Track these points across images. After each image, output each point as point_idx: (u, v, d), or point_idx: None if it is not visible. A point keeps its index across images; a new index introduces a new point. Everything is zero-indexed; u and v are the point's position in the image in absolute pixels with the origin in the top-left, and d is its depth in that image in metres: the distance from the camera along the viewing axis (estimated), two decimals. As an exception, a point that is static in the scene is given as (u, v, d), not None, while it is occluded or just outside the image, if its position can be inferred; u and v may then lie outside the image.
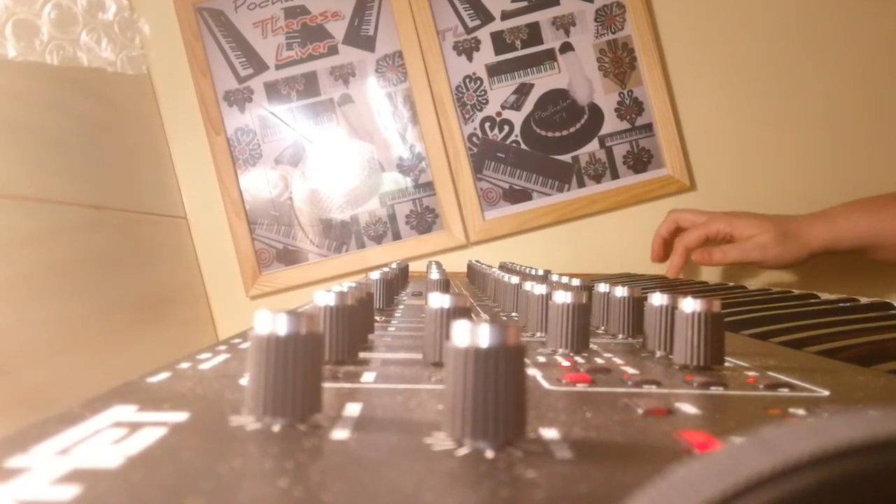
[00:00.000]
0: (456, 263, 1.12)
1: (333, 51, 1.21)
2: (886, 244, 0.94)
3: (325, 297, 0.28)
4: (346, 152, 1.21)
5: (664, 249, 1.09)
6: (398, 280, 0.62)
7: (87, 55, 1.03)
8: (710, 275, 1.14)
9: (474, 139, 1.20)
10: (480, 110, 1.20)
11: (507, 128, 1.20)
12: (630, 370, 0.29)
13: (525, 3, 1.20)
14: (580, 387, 0.25)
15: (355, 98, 1.21)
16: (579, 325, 0.33)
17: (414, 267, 1.07)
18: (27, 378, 0.70)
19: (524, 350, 0.17)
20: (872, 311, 0.54)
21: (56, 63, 0.96)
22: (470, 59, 1.20)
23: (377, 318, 0.45)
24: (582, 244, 1.19)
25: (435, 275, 0.58)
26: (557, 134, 1.20)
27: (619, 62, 1.19)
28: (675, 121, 1.17)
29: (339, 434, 0.18)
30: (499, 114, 1.20)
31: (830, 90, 1.18)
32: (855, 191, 0.99)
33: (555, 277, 0.57)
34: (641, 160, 1.19)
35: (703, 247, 1.03)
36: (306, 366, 0.19)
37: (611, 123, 1.19)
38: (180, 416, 0.19)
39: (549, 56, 1.20)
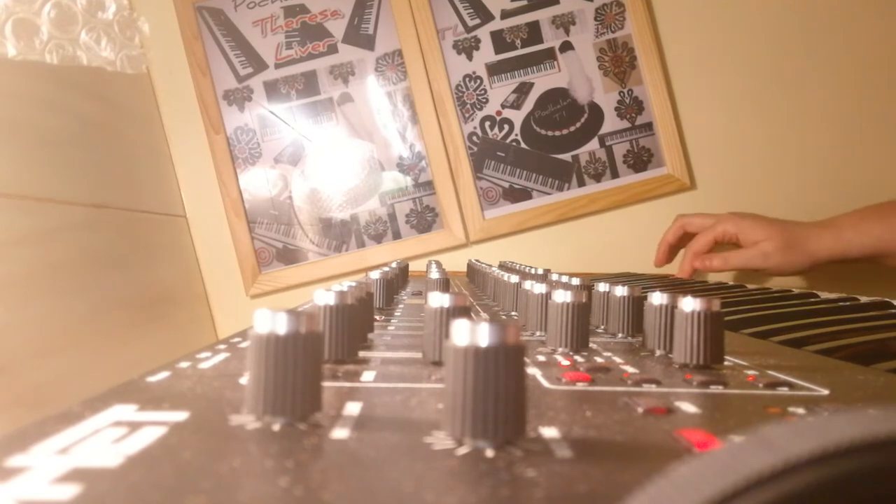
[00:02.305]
0: (456, 263, 1.12)
1: (333, 50, 1.21)
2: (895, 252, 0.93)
3: (324, 297, 0.28)
4: (346, 151, 1.21)
5: (669, 255, 1.08)
6: (398, 279, 0.62)
7: (86, 54, 1.03)
8: (710, 274, 1.14)
9: (474, 138, 1.20)
10: (480, 109, 1.20)
11: (507, 127, 1.20)
12: (630, 369, 0.29)
13: (525, 2, 1.20)
14: (580, 386, 0.25)
15: (355, 97, 1.21)
16: (579, 324, 0.33)
17: (414, 266, 1.07)
18: (27, 377, 0.70)
19: (524, 349, 0.17)
20: (872, 310, 0.54)
21: (56, 62, 0.96)
22: (470, 57, 1.20)
23: (377, 317, 0.45)
24: (582, 243, 1.19)
25: (435, 274, 0.58)
26: (557, 133, 1.20)
27: (618, 61, 1.19)
28: (675, 120, 1.17)
29: (339, 433, 0.18)
30: (499, 113, 1.20)
31: (830, 89, 1.18)
32: (855, 190, 0.99)
33: (554, 276, 0.57)
34: (641, 159, 1.19)
35: (710, 251, 1.03)
36: (306, 365, 0.19)
37: (611, 122, 1.19)
38: (180, 416, 0.19)
39: (549, 55, 1.20)
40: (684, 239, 1.07)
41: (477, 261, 0.86)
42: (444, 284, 0.53)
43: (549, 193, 1.19)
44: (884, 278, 1.02)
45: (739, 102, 1.19)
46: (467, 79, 1.20)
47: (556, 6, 1.20)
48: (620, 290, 0.39)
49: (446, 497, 0.14)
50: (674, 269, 1.08)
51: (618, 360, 0.31)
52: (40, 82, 0.91)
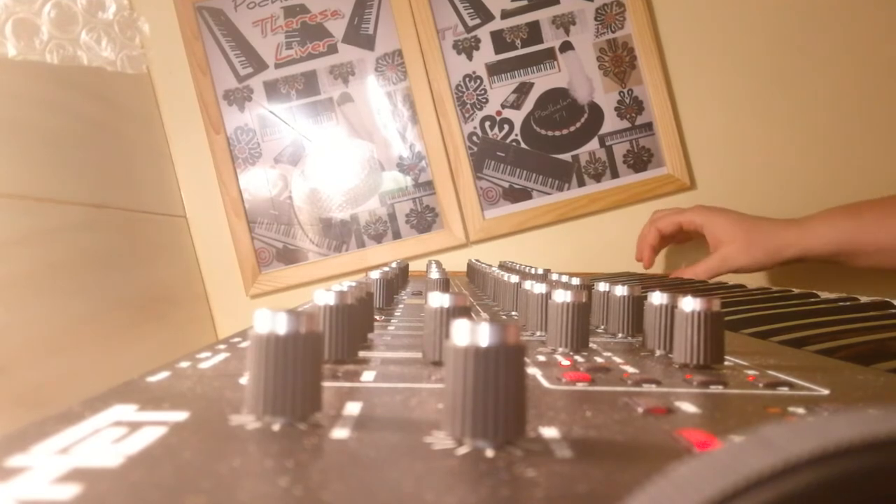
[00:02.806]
0: (456, 262, 1.12)
1: (333, 49, 1.21)
2: (864, 250, 0.91)
3: (324, 297, 0.28)
4: (346, 151, 1.21)
5: (653, 255, 1.08)
6: (398, 279, 0.62)
7: (87, 54, 1.03)
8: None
9: (474, 138, 1.20)
10: (480, 109, 1.20)
11: (507, 127, 1.20)
12: (630, 369, 0.29)
13: (525, 2, 1.20)
14: (580, 386, 0.25)
15: (355, 97, 1.21)
16: (579, 324, 0.33)
17: (414, 266, 1.07)
18: (27, 377, 0.70)
19: (524, 349, 0.17)
20: (872, 310, 0.54)
21: (56, 62, 0.96)
22: (470, 57, 1.20)
23: (377, 317, 0.45)
24: (582, 243, 1.19)
25: (435, 274, 0.58)
26: (557, 133, 1.20)
27: (618, 61, 1.19)
28: (675, 120, 1.17)
29: (339, 433, 0.18)
30: (499, 113, 1.20)
31: (830, 89, 1.18)
32: (853, 190, 0.99)
33: (554, 276, 0.57)
34: (641, 159, 1.19)
35: (673, 233, 1.03)
36: (306, 365, 0.19)
37: (611, 122, 1.19)
38: (180, 416, 0.19)
39: (549, 55, 1.20)
40: (664, 240, 1.07)
41: (477, 261, 0.86)
42: (444, 284, 0.53)
43: (549, 193, 1.19)
44: (883, 279, 1.02)
45: (739, 102, 1.19)
46: (467, 79, 1.20)
47: (556, 6, 1.20)
48: (620, 290, 0.39)
49: (446, 497, 0.14)
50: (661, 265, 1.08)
51: (618, 360, 0.31)
52: (40, 82, 0.91)
